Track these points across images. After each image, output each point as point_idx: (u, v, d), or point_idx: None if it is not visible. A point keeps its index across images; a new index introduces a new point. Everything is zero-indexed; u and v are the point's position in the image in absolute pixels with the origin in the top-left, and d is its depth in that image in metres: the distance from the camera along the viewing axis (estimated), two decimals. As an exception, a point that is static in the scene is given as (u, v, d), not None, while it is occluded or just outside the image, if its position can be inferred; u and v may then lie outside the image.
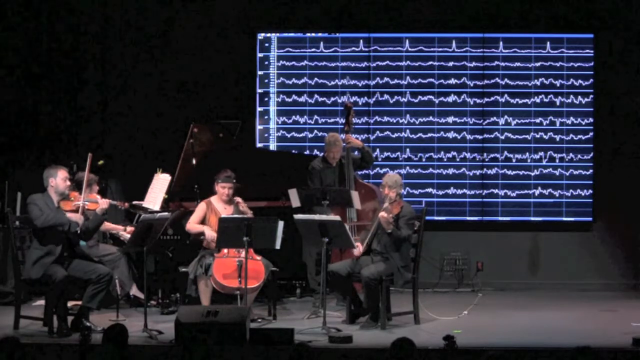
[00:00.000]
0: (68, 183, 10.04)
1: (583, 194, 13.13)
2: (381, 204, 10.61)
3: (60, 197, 9.99)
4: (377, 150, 13.16)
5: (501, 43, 13.18)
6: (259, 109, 13.30)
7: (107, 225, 11.11)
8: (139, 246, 10.09)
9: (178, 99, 13.28)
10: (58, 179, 9.98)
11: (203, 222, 10.85)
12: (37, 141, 13.20)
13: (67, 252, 9.95)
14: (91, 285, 9.92)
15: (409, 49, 13.24)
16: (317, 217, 10.35)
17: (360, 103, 13.20)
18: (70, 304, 10.19)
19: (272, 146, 13.24)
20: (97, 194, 10.55)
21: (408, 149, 13.25)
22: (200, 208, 10.92)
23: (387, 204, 10.38)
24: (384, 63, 13.24)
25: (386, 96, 13.26)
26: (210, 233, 10.64)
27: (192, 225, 10.87)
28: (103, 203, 10.10)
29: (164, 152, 12.65)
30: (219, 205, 10.88)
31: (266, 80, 13.27)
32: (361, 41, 13.25)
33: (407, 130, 13.26)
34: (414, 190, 13.16)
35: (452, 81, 13.23)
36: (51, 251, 9.88)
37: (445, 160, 13.22)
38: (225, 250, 10.57)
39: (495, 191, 13.19)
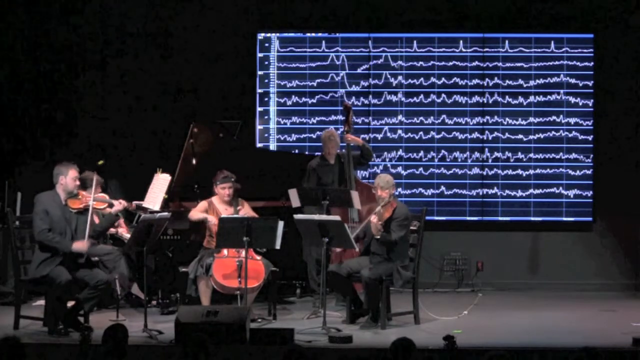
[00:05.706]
0: (77, 183, 10.00)
1: (583, 194, 13.13)
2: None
3: (69, 196, 9.97)
4: (382, 152, 13.15)
5: (501, 43, 13.18)
6: (259, 109, 13.29)
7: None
8: (139, 246, 10.09)
9: (178, 99, 13.28)
10: (68, 178, 9.93)
11: None
12: (37, 141, 13.19)
13: (72, 256, 9.91)
14: (87, 289, 9.88)
15: (409, 49, 13.24)
16: (317, 217, 10.34)
17: (360, 103, 13.20)
18: (70, 304, 10.17)
19: (272, 146, 13.23)
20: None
21: (408, 149, 13.24)
22: (202, 204, 10.91)
23: (380, 208, 10.33)
24: (385, 63, 13.24)
25: (386, 96, 13.25)
26: (212, 218, 10.64)
27: (194, 212, 10.83)
28: (118, 205, 10.08)
29: (164, 152, 12.65)
30: (220, 207, 10.87)
31: (266, 80, 13.27)
32: (361, 41, 13.24)
33: (407, 130, 13.25)
34: (413, 190, 13.16)
35: (453, 81, 13.22)
36: (57, 254, 9.84)
37: (445, 160, 13.21)
38: (225, 251, 10.57)
39: (496, 191, 13.19)
